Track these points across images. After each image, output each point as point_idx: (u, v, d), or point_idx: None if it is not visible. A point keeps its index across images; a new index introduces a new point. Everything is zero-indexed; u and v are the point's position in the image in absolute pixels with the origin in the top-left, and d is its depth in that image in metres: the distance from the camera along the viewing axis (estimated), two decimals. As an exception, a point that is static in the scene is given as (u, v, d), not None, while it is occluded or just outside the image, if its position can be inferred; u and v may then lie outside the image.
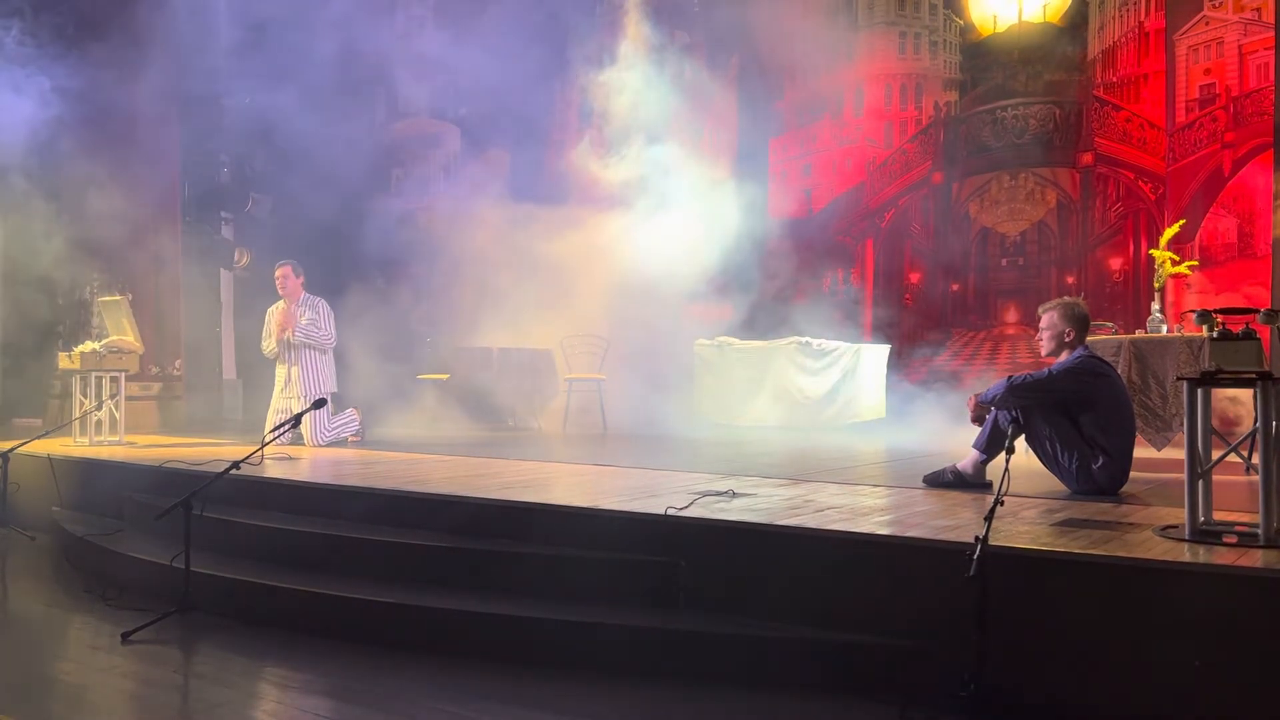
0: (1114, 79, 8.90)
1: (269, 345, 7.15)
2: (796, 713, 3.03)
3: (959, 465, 4.60)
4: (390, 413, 8.46)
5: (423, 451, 6.50)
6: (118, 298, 7.77)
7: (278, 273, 7.05)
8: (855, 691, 3.07)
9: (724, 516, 3.72)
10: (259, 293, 7.34)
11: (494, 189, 10.76)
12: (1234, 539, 3.15)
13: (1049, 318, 4.54)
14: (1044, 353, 4.59)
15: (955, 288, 9.73)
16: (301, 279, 7.08)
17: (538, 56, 10.06)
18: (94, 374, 7.19)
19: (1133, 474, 4.47)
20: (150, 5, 8.77)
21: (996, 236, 9.52)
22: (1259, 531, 3.14)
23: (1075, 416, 4.33)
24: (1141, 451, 4.93)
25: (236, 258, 10.34)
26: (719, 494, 4.20)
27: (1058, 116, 9.19)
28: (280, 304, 7.11)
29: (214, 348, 10.01)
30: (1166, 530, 3.35)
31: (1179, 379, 4.89)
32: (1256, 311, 3.44)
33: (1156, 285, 6.15)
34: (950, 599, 2.88)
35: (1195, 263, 7.55)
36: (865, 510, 3.97)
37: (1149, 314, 5.98)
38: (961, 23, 9.71)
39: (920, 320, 9.78)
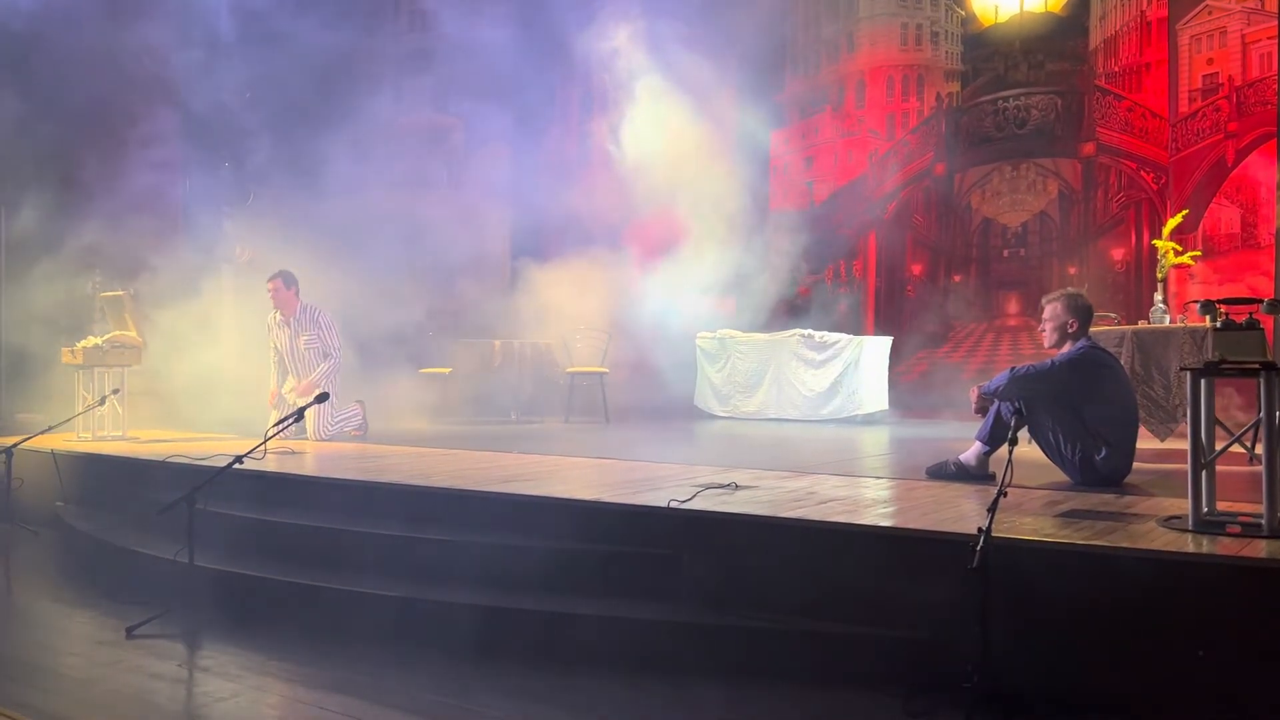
0: (1116, 69, 8.87)
1: (275, 377, 7.06)
2: (799, 704, 3.03)
3: (961, 457, 4.59)
4: (393, 407, 8.45)
5: (425, 445, 6.49)
6: (119, 293, 7.75)
7: (269, 286, 6.93)
8: (858, 684, 3.06)
9: (727, 509, 3.72)
10: (260, 287, 7.31)
11: (495, 183, 10.74)
12: (1237, 529, 3.15)
13: (1052, 309, 4.53)
14: (1047, 344, 4.58)
15: (957, 279, 9.72)
16: (294, 289, 6.93)
17: (538, 49, 10.04)
18: (96, 369, 7.18)
19: (1136, 465, 4.47)
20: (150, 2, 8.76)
21: (998, 227, 9.51)
22: (1263, 522, 3.14)
23: (1078, 407, 4.33)
24: (1144, 442, 4.94)
25: (237, 253, 10.32)
26: (722, 486, 4.20)
27: (1059, 107, 9.16)
28: (275, 314, 7.04)
29: (215, 342, 9.99)
30: (1170, 521, 3.35)
31: (1182, 369, 4.90)
32: (1260, 302, 3.43)
33: (1159, 276, 6.14)
34: (953, 591, 2.88)
35: (1198, 253, 7.52)
36: (868, 502, 3.98)
37: (1151, 305, 5.97)
38: (963, 13, 9.68)
39: (922, 312, 9.76)
